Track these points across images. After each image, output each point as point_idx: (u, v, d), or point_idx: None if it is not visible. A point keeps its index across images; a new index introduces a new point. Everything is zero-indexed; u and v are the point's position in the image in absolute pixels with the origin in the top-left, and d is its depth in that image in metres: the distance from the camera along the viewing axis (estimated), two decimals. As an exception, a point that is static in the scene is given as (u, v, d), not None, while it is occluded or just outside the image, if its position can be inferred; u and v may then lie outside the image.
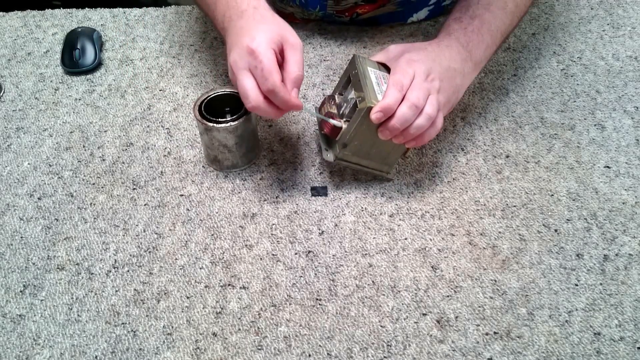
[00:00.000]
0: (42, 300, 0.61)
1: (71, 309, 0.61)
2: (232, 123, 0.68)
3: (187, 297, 0.61)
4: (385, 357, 0.57)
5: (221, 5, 0.66)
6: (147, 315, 0.60)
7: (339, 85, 0.71)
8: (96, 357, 0.57)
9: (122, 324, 0.60)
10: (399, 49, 0.68)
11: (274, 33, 0.60)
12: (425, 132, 0.63)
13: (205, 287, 0.62)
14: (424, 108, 0.61)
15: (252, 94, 0.59)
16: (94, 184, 0.72)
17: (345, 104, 0.68)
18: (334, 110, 0.68)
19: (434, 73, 0.64)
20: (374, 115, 0.61)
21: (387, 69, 0.67)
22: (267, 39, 0.59)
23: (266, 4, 0.65)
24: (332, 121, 0.66)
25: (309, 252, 0.65)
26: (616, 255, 0.65)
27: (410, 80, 0.62)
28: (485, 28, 0.70)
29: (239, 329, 0.59)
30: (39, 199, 0.71)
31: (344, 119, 0.67)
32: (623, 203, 0.69)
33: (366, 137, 0.65)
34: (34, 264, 0.65)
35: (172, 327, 0.59)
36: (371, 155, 0.68)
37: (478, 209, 0.69)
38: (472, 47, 0.69)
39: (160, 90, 0.85)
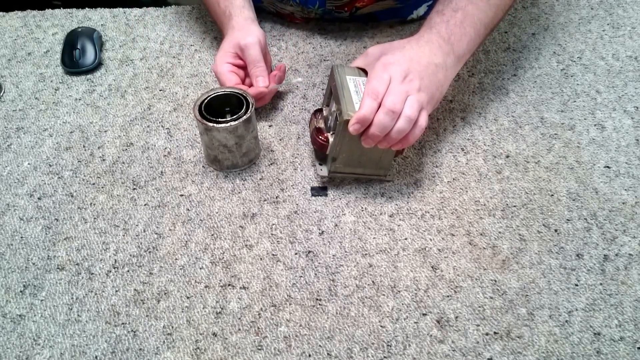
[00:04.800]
0: (42, 300, 0.61)
1: (71, 309, 0.61)
2: (232, 123, 0.68)
3: (187, 297, 0.61)
4: (385, 357, 0.57)
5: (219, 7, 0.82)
6: (147, 315, 0.60)
7: (325, 98, 0.72)
8: (96, 357, 0.57)
9: (122, 324, 0.60)
10: (378, 50, 0.68)
11: (233, 43, 0.77)
12: (409, 133, 0.62)
13: (205, 287, 0.62)
14: (402, 111, 0.61)
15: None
16: (94, 184, 0.72)
17: (330, 117, 0.69)
18: (322, 125, 0.70)
19: (413, 73, 0.63)
20: (352, 128, 0.62)
21: (367, 74, 0.67)
22: (225, 52, 0.77)
23: (243, 9, 0.80)
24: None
25: (309, 252, 0.65)
26: (616, 255, 0.64)
27: (386, 85, 0.62)
28: (468, 21, 0.69)
29: (239, 329, 0.59)
30: (39, 199, 0.71)
31: (331, 132, 0.68)
32: (623, 203, 0.69)
33: (352, 147, 0.65)
34: (34, 264, 0.65)
35: (172, 327, 0.59)
36: (363, 163, 0.68)
37: (478, 209, 0.69)
38: (454, 40, 0.68)
39: (160, 90, 0.85)
